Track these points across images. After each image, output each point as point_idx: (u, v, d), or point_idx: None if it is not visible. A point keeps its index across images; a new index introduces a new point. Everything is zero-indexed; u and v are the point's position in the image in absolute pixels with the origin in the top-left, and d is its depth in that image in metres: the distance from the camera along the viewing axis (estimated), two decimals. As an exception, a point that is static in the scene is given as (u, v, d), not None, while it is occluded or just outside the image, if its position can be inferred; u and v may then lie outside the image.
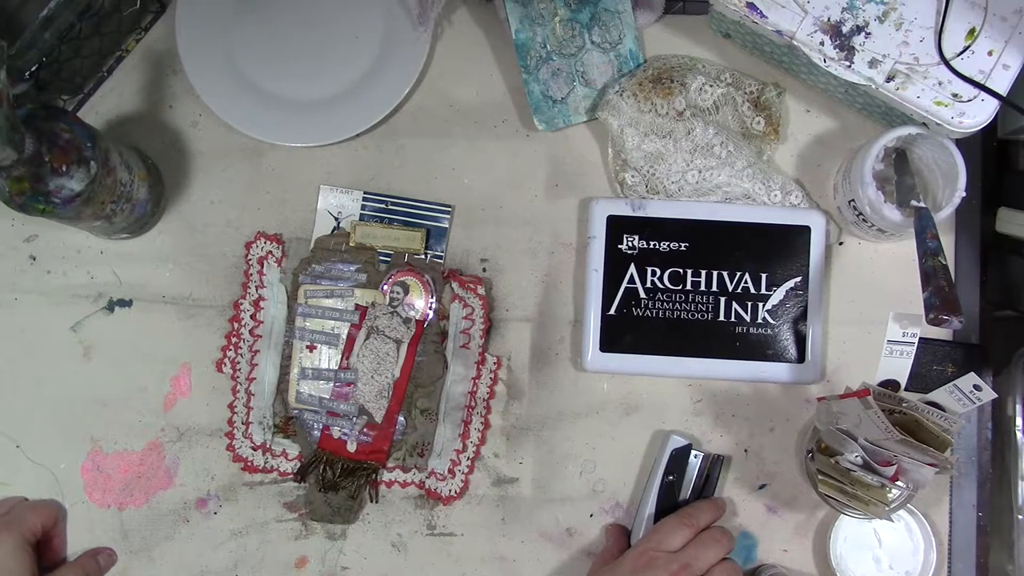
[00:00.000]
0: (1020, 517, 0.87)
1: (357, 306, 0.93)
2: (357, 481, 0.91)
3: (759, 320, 0.90)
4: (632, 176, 0.92)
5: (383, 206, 0.94)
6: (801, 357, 0.89)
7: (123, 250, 0.95)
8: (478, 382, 0.92)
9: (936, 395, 0.83)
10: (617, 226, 0.91)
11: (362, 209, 0.94)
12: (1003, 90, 0.79)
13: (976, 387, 0.79)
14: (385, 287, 0.93)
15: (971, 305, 0.91)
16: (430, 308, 0.93)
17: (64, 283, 0.95)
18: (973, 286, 0.92)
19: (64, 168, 0.78)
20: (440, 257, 0.94)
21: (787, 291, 0.90)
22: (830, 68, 0.82)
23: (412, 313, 0.93)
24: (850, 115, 0.93)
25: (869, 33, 0.81)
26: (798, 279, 0.90)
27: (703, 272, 0.90)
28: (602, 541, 0.90)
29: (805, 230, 0.90)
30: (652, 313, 0.90)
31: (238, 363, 0.93)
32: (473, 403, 0.92)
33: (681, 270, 0.91)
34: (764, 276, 0.90)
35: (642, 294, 0.90)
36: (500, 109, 0.95)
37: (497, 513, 0.91)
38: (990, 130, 0.84)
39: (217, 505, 0.92)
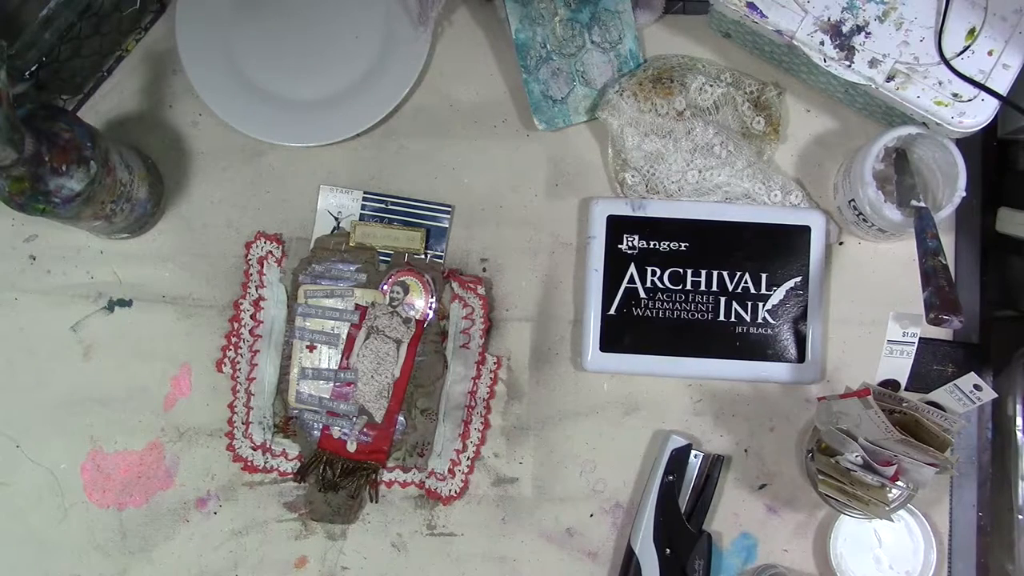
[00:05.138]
0: (1020, 517, 0.87)
1: (357, 306, 0.93)
2: (357, 481, 0.91)
3: (759, 320, 0.90)
4: (632, 176, 0.92)
5: (383, 206, 0.94)
6: (801, 357, 0.89)
7: (123, 250, 0.95)
8: (478, 382, 0.92)
9: (936, 395, 0.83)
10: (617, 226, 0.91)
11: (362, 209, 0.94)
12: (1003, 90, 0.79)
13: (976, 387, 0.79)
14: (385, 287, 0.93)
15: (971, 305, 0.91)
16: (430, 308, 0.93)
17: (64, 283, 0.95)
18: (973, 286, 0.92)
19: (64, 168, 0.78)
20: (440, 257, 0.94)
21: (787, 291, 0.90)
22: (830, 68, 0.82)
23: (412, 313, 0.93)
24: (850, 115, 0.93)
25: (869, 33, 0.81)
26: (798, 279, 0.90)
27: (703, 272, 0.90)
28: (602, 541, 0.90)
29: (805, 230, 0.90)
30: (652, 313, 0.90)
31: (238, 363, 0.93)
32: (473, 403, 0.92)
33: (681, 270, 0.91)
34: (764, 276, 0.90)
35: (642, 294, 0.90)
36: (500, 109, 0.95)
37: (497, 513, 0.91)
38: (990, 130, 0.85)
39: (217, 505, 0.92)
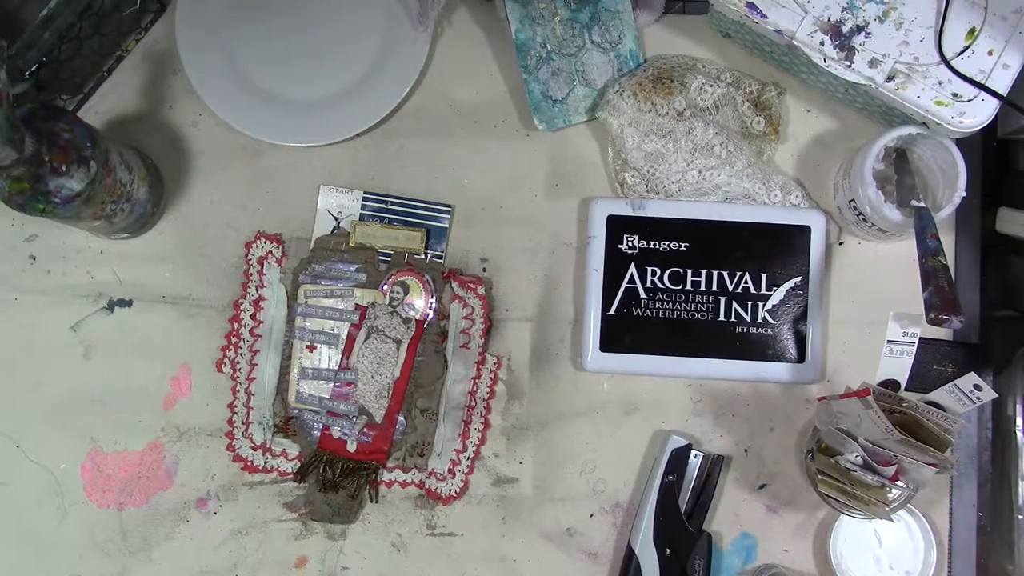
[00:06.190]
0: (1020, 517, 0.87)
1: (357, 306, 0.93)
2: (357, 481, 0.91)
3: (759, 320, 0.90)
4: (632, 176, 0.92)
5: (383, 206, 0.94)
6: (801, 357, 0.89)
7: (123, 250, 0.95)
8: (478, 382, 0.92)
9: (936, 395, 0.83)
10: (617, 226, 0.91)
11: (362, 209, 0.94)
12: (1003, 90, 0.79)
13: (976, 387, 0.79)
14: (385, 287, 0.93)
15: (971, 305, 0.91)
16: (430, 308, 0.93)
17: (64, 283, 0.95)
18: (973, 286, 0.92)
19: (64, 168, 0.78)
20: (440, 257, 0.94)
21: (787, 291, 0.90)
22: (830, 68, 0.82)
23: (412, 313, 0.93)
24: (850, 115, 0.93)
25: (869, 33, 0.81)
26: (798, 279, 0.90)
27: (703, 272, 0.90)
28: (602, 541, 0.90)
29: (805, 230, 0.90)
30: (652, 313, 0.90)
31: (238, 363, 0.93)
32: (473, 403, 0.92)
33: (681, 270, 0.91)
34: (764, 276, 0.90)
35: (642, 294, 0.90)
36: (500, 109, 0.95)
37: (497, 513, 0.91)
38: (990, 130, 0.84)
39: (217, 505, 0.92)
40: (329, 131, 0.94)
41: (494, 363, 0.92)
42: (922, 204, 0.81)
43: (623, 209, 0.91)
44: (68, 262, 0.95)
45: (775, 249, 0.90)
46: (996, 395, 0.79)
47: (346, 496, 0.91)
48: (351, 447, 0.92)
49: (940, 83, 0.80)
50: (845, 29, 0.81)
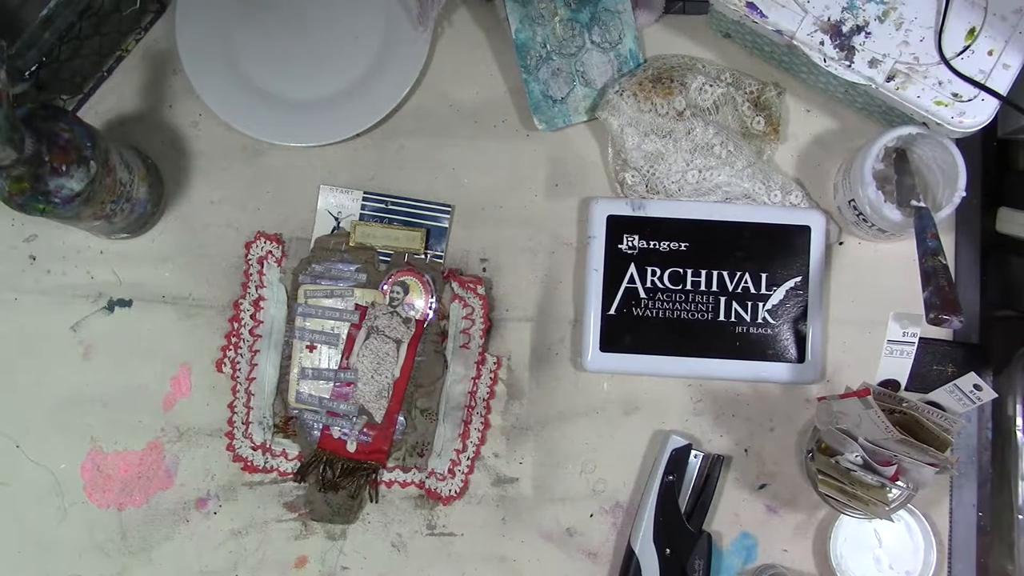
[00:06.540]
0: (1020, 517, 0.87)
1: (357, 306, 0.93)
2: (357, 481, 0.91)
3: (759, 320, 0.90)
4: (632, 176, 0.92)
5: (383, 206, 0.94)
6: (801, 357, 0.89)
7: (123, 250, 0.95)
8: (478, 382, 0.92)
9: (936, 395, 0.83)
10: (617, 226, 0.91)
11: (362, 209, 0.94)
12: (1003, 90, 0.79)
13: (976, 387, 0.79)
14: (385, 287, 0.93)
15: (971, 305, 0.91)
16: (430, 308, 0.93)
17: (64, 283, 0.95)
18: (973, 286, 0.92)
19: (64, 168, 0.78)
20: (440, 257, 0.94)
21: (787, 291, 0.90)
22: (830, 68, 0.82)
23: (412, 313, 0.93)
24: (850, 115, 0.93)
25: (869, 33, 0.81)
26: (798, 279, 0.90)
27: (703, 272, 0.90)
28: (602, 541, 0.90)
29: (805, 230, 0.90)
30: (652, 313, 0.90)
31: (238, 363, 0.93)
32: (473, 403, 0.92)
33: (681, 270, 0.91)
34: (764, 276, 0.90)
35: (642, 294, 0.90)
36: (500, 109, 0.95)
37: (497, 513, 0.91)
38: (990, 130, 0.84)
39: (217, 505, 0.92)
40: (329, 131, 0.94)
41: (494, 363, 0.92)
42: (922, 204, 0.81)
43: (623, 209, 0.91)
44: (68, 262, 0.95)
45: (775, 249, 0.90)
46: (996, 395, 0.79)
47: (346, 496, 0.91)
48: (351, 447, 0.92)
49: (940, 83, 0.80)
50: (845, 29, 0.81)
